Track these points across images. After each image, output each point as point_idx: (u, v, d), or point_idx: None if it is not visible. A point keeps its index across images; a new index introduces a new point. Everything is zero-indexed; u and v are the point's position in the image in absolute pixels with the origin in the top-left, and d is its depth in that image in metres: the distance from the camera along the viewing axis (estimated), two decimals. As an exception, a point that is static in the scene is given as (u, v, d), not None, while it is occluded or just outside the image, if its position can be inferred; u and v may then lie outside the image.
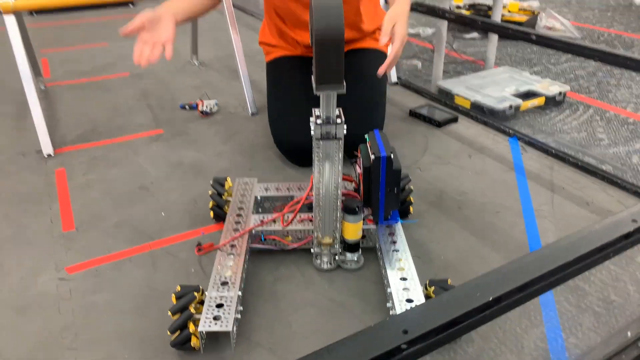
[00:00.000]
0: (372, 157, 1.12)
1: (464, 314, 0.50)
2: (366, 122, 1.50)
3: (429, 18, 2.87)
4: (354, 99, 1.27)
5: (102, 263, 1.23)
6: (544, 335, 1.00)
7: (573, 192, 1.48)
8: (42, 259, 1.25)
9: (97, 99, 2.24)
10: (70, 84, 2.42)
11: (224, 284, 1.04)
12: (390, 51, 1.20)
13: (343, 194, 1.21)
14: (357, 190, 1.28)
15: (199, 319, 0.95)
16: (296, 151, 1.58)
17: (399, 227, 1.22)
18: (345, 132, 1.02)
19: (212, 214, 1.33)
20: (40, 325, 1.05)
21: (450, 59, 2.67)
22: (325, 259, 1.19)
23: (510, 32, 1.68)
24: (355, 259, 1.19)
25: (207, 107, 2.05)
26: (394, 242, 1.17)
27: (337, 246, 1.18)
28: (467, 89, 2.09)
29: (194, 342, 0.94)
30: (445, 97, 2.12)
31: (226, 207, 1.32)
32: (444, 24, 2.13)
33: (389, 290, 1.03)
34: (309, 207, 1.22)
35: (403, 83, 2.33)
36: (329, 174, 1.07)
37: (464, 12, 3.19)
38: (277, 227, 1.21)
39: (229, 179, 1.38)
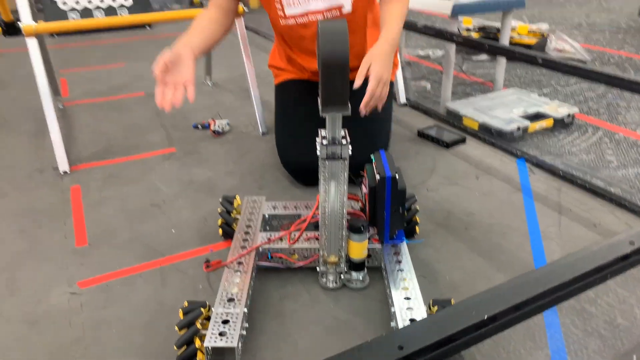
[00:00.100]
0: (378, 177, 1.14)
1: (459, 331, 0.52)
2: (372, 144, 1.53)
3: (438, 40, 2.91)
4: (360, 122, 1.30)
5: (113, 278, 1.26)
6: (549, 358, 1.00)
7: (580, 214, 1.48)
8: (55, 274, 1.28)
9: (112, 117, 2.31)
10: (88, 103, 2.50)
11: (231, 300, 1.06)
12: (367, 89, 1.21)
13: (349, 213, 1.23)
14: (363, 209, 1.30)
15: (205, 335, 0.97)
16: (303, 171, 1.61)
17: (404, 247, 1.23)
18: (350, 152, 1.05)
19: (220, 231, 1.35)
20: (51, 339, 1.08)
21: (459, 81, 2.70)
22: (331, 278, 1.20)
23: (516, 55, 1.70)
24: (361, 278, 1.20)
25: (219, 126, 2.09)
26: (399, 262, 1.18)
27: (342, 265, 1.19)
28: (475, 110, 2.11)
29: (200, 357, 0.96)
30: (453, 118, 2.14)
31: (235, 225, 1.34)
32: (452, 47, 2.16)
33: (392, 309, 1.04)
34: (315, 226, 1.24)
35: (412, 104, 2.36)
36: (334, 193, 1.09)
37: (474, 34, 3.23)
38: (284, 245, 1.23)
39: (238, 197, 1.41)
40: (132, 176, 1.76)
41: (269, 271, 1.26)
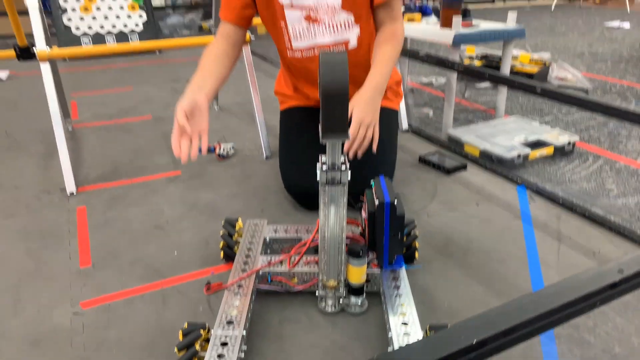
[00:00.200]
0: (377, 202, 1.16)
1: (446, 355, 0.53)
2: (375, 174, 1.55)
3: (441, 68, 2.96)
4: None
5: (115, 299, 1.28)
6: (546, 386, 1.00)
7: (580, 242, 1.49)
8: (59, 294, 1.30)
9: (120, 140, 2.35)
10: (96, 125, 2.55)
11: (230, 323, 1.07)
12: (350, 133, 1.26)
13: (348, 238, 1.24)
14: (363, 234, 1.32)
15: (204, 357, 0.98)
16: (304, 195, 1.64)
17: (402, 272, 1.25)
18: (349, 177, 1.07)
19: (222, 254, 1.37)
20: (52, 359, 1.09)
21: (461, 107, 2.74)
22: (330, 302, 1.21)
23: (516, 85, 1.73)
24: (359, 303, 1.21)
25: (224, 150, 2.13)
26: (397, 287, 1.19)
27: (341, 289, 1.20)
28: (476, 137, 2.14)
29: (198, 379, 0.97)
30: (455, 145, 2.17)
31: (236, 248, 1.36)
32: (453, 75, 2.21)
33: (390, 334, 1.05)
34: (315, 250, 1.25)
35: (414, 130, 2.40)
36: (334, 218, 1.11)
37: (477, 62, 3.29)
38: (284, 268, 1.25)
39: (240, 220, 1.43)
40: (137, 198, 1.80)
41: (269, 294, 1.27)
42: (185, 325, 1.05)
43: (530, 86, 1.67)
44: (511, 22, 2.31)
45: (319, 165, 1.08)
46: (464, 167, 1.99)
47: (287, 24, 1.54)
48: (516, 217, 1.64)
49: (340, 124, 0.98)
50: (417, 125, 2.45)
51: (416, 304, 1.14)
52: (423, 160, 2.05)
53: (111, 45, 3.65)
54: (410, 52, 2.16)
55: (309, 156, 1.34)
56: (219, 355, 0.98)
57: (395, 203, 1.15)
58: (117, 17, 3.97)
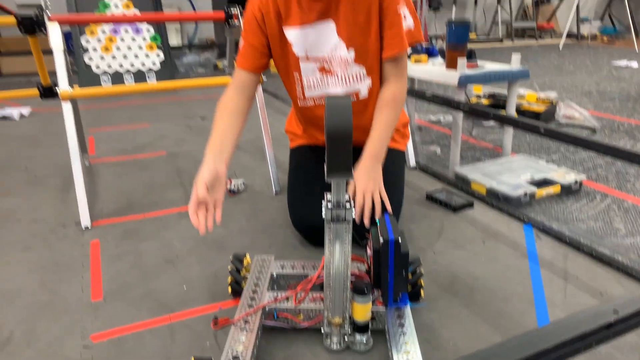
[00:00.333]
0: (381, 240, 1.19)
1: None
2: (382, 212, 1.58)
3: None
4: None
5: (124, 333, 1.30)
6: None
7: (587, 282, 1.49)
8: (70, 327, 1.33)
9: (135, 175, 2.42)
10: (112, 161, 2.63)
11: (235, 358, 1.08)
12: (355, 205, 1.31)
13: (354, 275, 1.26)
14: (368, 272, 1.33)
15: (208, 392, 0.99)
16: (312, 231, 1.67)
17: (407, 311, 1.26)
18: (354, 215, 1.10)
19: (229, 289, 1.40)
20: (61, 391, 1.11)
21: (469, 145, 2.78)
22: (335, 339, 1.22)
23: (520, 125, 1.77)
24: (364, 341, 1.22)
25: (234, 186, 2.18)
26: (402, 325, 1.20)
27: (347, 327, 1.21)
28: (483, 175, 2.17)
29: (203, 415, 0.98)
30: (462, 183, 2.20)
31: (244, 283, 1.39)
32: (459, 114, 2.26)
33: (393, 372, 1.06)
34: (321, 286, 1.27)
35: (421, 167, 2.43)
36: (339, 255, 1.14)
37: (484, 100, 3.35)
38: (290, 305, 1.27)
39: (248, 256, 1.46)
40: (150, 233, 1.84)
41: (275, 330, 1.28)
42: (192, 359, 1.07)
43: (534, 126, 1.71)
44: (515, 63, 2.37)
45: (324, 203, 1.11)
46: (470, 205, 2.01)
47: (302, 75, 1.60)
48: (523, 255, 1.65)
49: (344, 163, 1.02)
50: (425, 163, 2.49)
51: (420, 342, 1.15)
52: (430, 198, 2.08)
53: (130, 85, 3.80)
54: (417, 92, 2.23)
55: (316, 192, 1.38)
56: (224, 391, 0.99)
57: (400, 241, 1.18)
58: (136, 56, 4.13)
